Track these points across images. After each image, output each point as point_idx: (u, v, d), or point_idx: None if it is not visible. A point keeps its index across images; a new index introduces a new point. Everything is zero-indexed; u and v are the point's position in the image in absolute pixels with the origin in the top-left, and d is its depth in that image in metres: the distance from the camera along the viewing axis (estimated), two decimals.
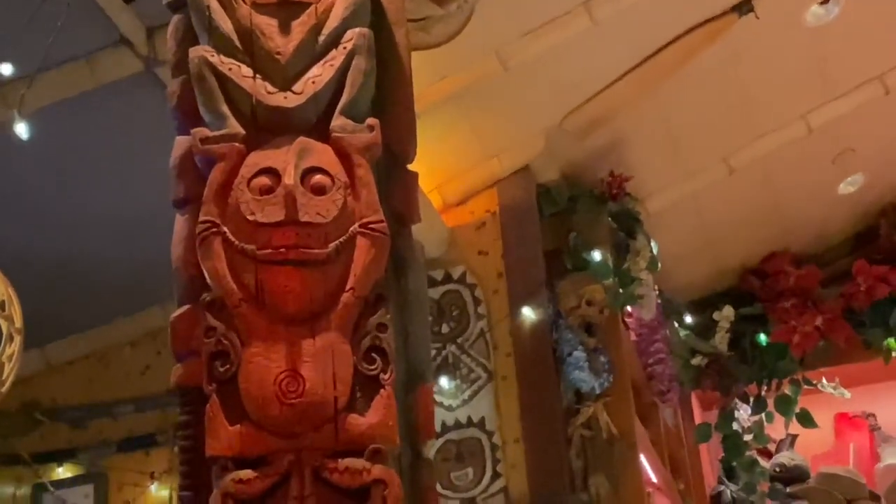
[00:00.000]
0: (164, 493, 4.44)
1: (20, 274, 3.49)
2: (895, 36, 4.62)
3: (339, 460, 1.59)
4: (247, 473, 1.58)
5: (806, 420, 5.55)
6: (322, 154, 1.69)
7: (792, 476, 5.66)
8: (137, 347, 4.70)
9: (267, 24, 1.76)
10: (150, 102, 2.62)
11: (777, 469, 5.70)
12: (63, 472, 4.67)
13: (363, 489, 1.59)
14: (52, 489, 4.56)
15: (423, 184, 4.11)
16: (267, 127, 1.71)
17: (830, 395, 5.69)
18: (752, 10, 4.19)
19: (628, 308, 4.61)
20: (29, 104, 3.20)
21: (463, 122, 4.17)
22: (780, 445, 5.80)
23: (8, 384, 3.34)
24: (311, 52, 1.75)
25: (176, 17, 1.87)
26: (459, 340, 4.23)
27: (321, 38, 1.76)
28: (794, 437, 5.79)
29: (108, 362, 4.76)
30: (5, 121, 3.16)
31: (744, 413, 5.64)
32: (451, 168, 4.35)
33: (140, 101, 3.34)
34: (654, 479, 4.62)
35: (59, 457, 4.69)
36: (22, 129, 3.14)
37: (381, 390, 1.63)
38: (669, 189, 4.95)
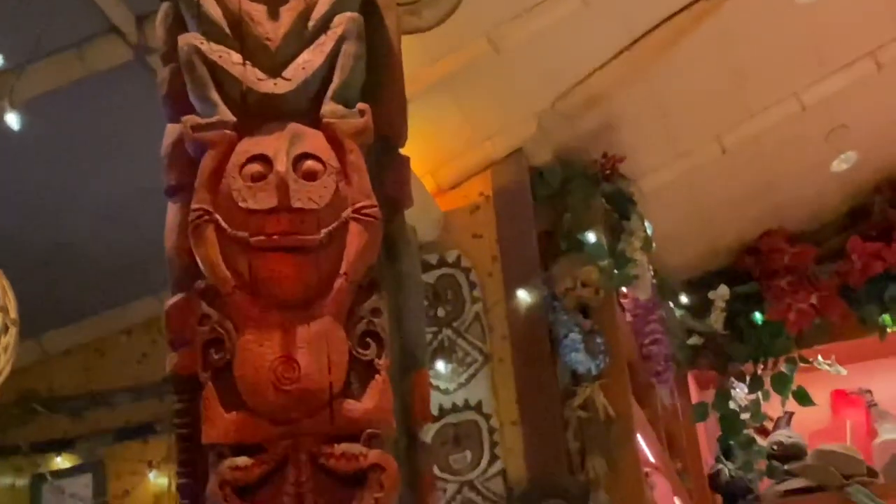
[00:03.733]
0: (163, 481, 4.45)
1: (14, 264, 3.49)
2: (886, 11, 4.62)
3: (336, 446, 1.59)
4: (243, 460, 1.58)
5: (802, 398, 5.56)
6: (313, 140, 1.69)
7: (789, 454, 5.66)
8: (133, 336, 4.70)
9: (256, 11, 1.75)
10: (141, 90, 2.61)
11: (774, 447, 5.71)
12: (61, 462, 4.68)
13: (360, 474, 1.59)
14: (50, 479, 4.57)
15: (417, 168, 4.11)
16: (258, 114, 1.71)
17: (826, 372, 5.70)
18: None
19: (623, 289, 4.62)
20: (19, 94, 3.20)
21: (455, 105, 4.17)
22: (777, 423, 5.81)
23: (4, 375, 3.35)
24: (301, 38, 1.75)
25: (165, 5, 1.86)
26: (455, 324, 4.24)
27: (310, 24, 1.76)
28: (791, 414, 5.80)
29: (105, 351, 4.77)
30: None
31: (740, 392, 5.65)
32: (444, 152, 4.35)
33: (131, 90, 3.33)
34: (651, 459, 4.63)
35: (58, 447, 4.69)
36: (13, 120, 3.14)
37: (377, 375, 1.63)
38: (663, 169, 4.95)
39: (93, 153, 3.77)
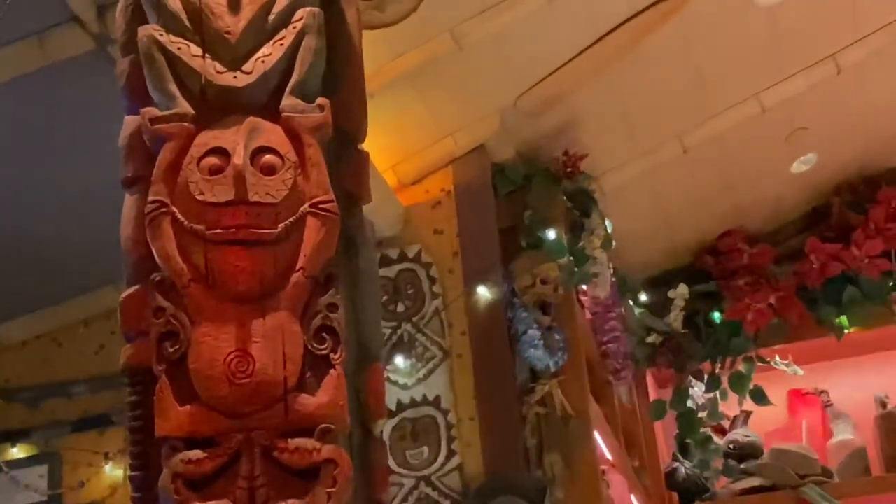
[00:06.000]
0: (119, 472, 4.43)
1: None
2: (846, 15, 4.66)
3: (290, 440, 1.59)
4: (196, 453, 1.58)
5: (759, 397, 5.60)
6: (272, 134, 1.69)
7: (746, 453, 5.70)
8: (91, 327, 4.68)
9: (216, 4, 1.75)
10: (102, 81, 2.60)
11: (731, 446, 5.74)
12: (17, 452, 4.65)
13: (313, 468, 1.59)
14: (6, 469, 4.54)
15: (379, 163, 4.12)
16: (216, 107, 1.71)
17: (783, 372, 5.74)
18: None
19: (583, 286, 4.63)
20: None
21: (418, 101, 4.17)
22: (733, 422, 5.84)
23: None
24: (261, 32, 1.75)
25: None
26: (415, 319, 4.24)
27: (271, 18, 1.76)
28: (748, 414, 5.83)
29: (62, 342, 4.74)
30: None
31: (698, 390, 5.68)
32: (407, 147, 4.35)
33: (91, 80, 3.31)
34: (608, 456, 4.65)
35: (13, 437, 4.66)
36: None
37: (332, 370, 1.63)
38: (624, 168, 4.97)
39: (53, 143, 3.75)
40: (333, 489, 1.59)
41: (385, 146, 4.20)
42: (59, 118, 3.66)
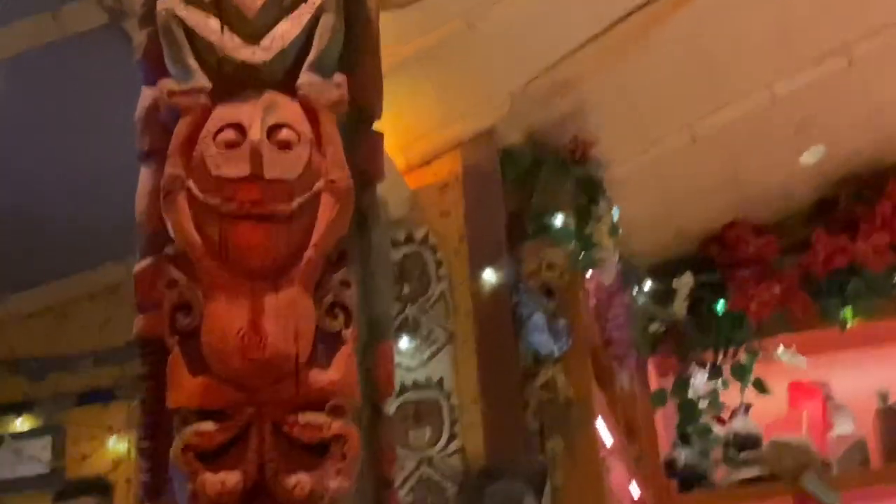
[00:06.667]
0: (122, 446, 4.45)
1: None
2: (859, 7, 4.65)
3: (300, 415, 1.60)
4: (207, 425, 1.58)
5: (760, 387, 5.61)
6: (288, 110, 1.69)
7: (745, 443, 5.72)
8: (97, 301, 4.69)
9: None
10: (115, 56, 2.60)
11: (731, 436, 5.75)
12: (21, 424, 4.67)
13: (323, 444, 1.59)
14: (9, 440, 4.56)
15: (387, 145, 4.10)
16: (233, 81, 1.71)
17: (785, 364, 5.74)
18: None
19: (588, 273, 4.63)
20: None
21: (428, 83, 4.18)
22: (734, 413, 5.85)
23: None
24: (279, 8, 1.75)
25: None
26: (420, 301, 4.25)
27: None
28: (749, 405, 5.84)
29: (68, 315, 4.75)
30: None
31: (700, 380, 5.69)
32: (416, 129, 4.35)
33: (104, 55, 3.32)
34: (609, 442, 4.66)
35: (17, 409, 4.68)
36: None
37: (343, 346, 1.63)
38: (632, 155, 4.97)
39: (64, 117, 3.76)
40: (342, 465, 1.59)
41: (394, 128, 4.20)
42: (70, 92, 3.66)
